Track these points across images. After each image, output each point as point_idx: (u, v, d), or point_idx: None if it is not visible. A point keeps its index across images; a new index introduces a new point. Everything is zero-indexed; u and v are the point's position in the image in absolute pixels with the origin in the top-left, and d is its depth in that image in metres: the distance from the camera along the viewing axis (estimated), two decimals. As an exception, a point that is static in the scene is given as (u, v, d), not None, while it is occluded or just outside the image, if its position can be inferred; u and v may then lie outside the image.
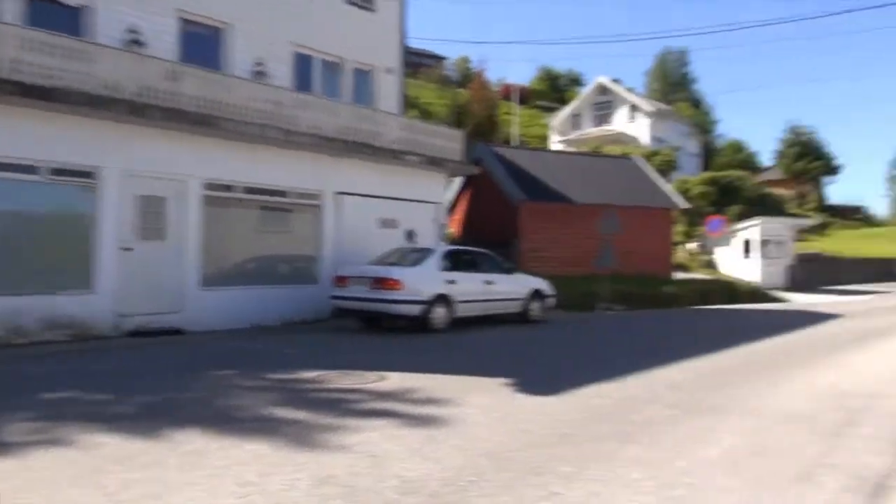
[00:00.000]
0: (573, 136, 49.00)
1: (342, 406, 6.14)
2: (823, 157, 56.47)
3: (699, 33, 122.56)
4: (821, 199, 55.03)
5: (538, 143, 47.82)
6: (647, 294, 20.66)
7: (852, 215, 56.85)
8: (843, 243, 41.13)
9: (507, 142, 39.02)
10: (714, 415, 6.04)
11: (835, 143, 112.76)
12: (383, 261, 13.24)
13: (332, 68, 17.19)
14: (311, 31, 16.36)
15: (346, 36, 17.11)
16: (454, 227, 24.12)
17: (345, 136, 14.85)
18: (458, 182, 23.66)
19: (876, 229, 52.40)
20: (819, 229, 44.03)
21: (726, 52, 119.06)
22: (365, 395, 6.68)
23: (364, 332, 12.42)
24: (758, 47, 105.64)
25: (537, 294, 14.50)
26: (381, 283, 11.87)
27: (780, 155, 57.48)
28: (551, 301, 14.96)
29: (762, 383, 7.63)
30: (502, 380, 7.40)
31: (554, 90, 68.24)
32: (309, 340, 11.44)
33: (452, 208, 24.18)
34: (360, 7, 17.60)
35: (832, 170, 57.95)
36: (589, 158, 29.67)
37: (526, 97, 58.11)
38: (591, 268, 19.01)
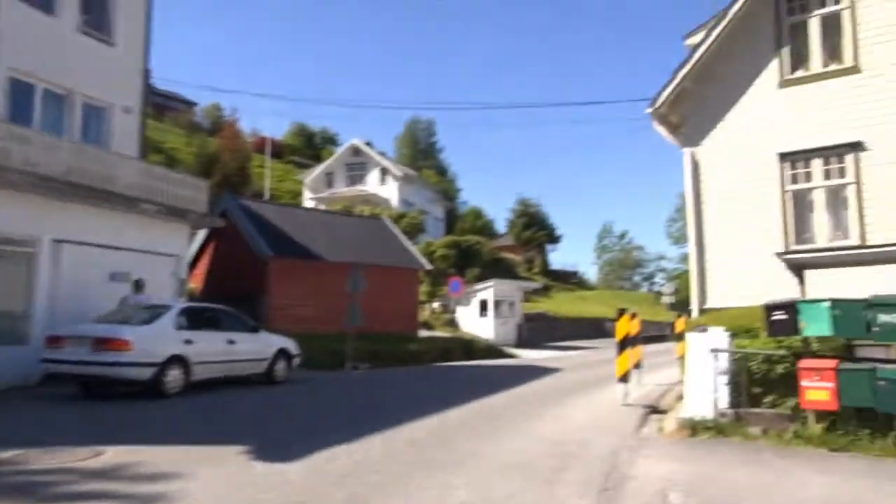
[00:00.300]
0: (326, 193, 49.49)
1: (42, 491, 5.25)
2: (547, 227, 64.12)
3: (444, 107, 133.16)
4: (545, 264, 62.03)
5: (291, 199, 47.42)
6: (393, 352, 21.22)
7: (570, 279, 64.94)
8: (563, 304, 46.64)
9: (258, 195, 38.07)
10: (446, 469, 6.27)
11: (556, 214, 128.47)
12: (109, 318, 11.87)
13: (58, 101, 15.31)
14: (33, 57, 14.44)
15: (76, 67, 15.37)
16: (196, 283, 22.63)
17: (69, 178, 13.24)
18: (202, 234, 22.37)
19: (588, 292, 60.46)
20: (543, 291, 49.36)
21: (468, 127, 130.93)
22: (74, 475, 5.79)
23: (83, 400, 10.90)
24: (497, 125, 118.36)
25: (283, 354, 14.06)
26: (105, 343, 10.58)
27: (512, 224, 63.97)
28: (297, 361, 14.61)
29: (493, 435, 8.16)
30: (238, 447, 6.94)
31: (309, 147, 68.73)
32: (10, 412, 9.70)
33: (195, 262, 22.74)
34: (97, 39, 16.05)
35: (554, 238, 66.04)
36: (341, 217, 30.16)
37: (280, 151, 57.62)
38: (342, 326, 19.03)
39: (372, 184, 50.06)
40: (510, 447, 7.44)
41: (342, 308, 19.19)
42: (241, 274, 21.35)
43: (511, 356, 26.78)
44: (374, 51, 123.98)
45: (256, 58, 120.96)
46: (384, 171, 50.42)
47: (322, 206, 43.24)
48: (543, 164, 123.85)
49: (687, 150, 12.70)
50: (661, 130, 13.45)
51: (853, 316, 7.15)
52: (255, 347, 13.41)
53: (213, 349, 12.23)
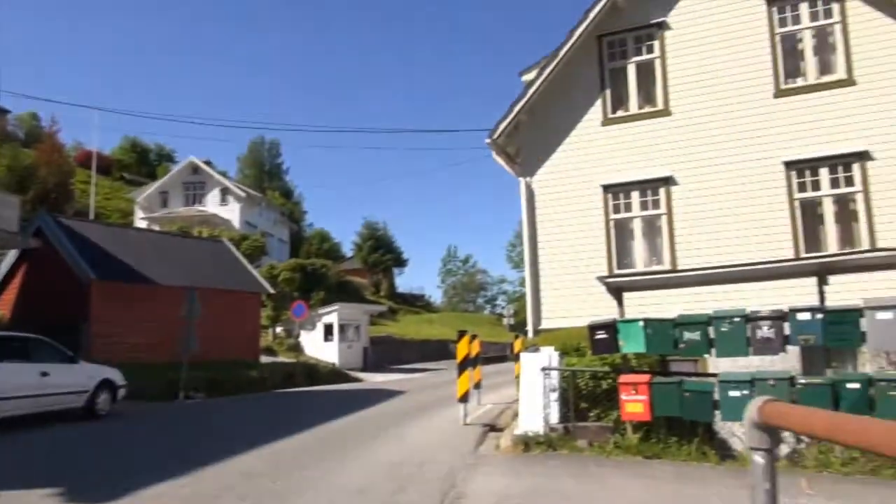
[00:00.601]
0: (161, 213, 46.59)
1: None
2: (394, 250, 64.65)
3: (288, 129, 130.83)
4: (392, 287, 62.42)
5: (121, 219, 44.08)
6: (232, 379, 20.24)
7: (416, 302, 65.82)
8: (409, 327, 47.12)
9: (82, 214, 34.96)
10: (283, 500, 6.08)
11: (403, 238, 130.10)
12: None
13: None
14: None
15: None
16: (5, 309, 20.26)
17: None
18: (11, 256, 20.14)
19: (434, 315, 61.54)
20: (390, 314, 49.61)
21: (316, 149, 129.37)
22: None
23: None
24: (345, 147, 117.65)
25: (107, 385, 12.94)
26: None
27: (358, 247, 63.78)
28: (123, 392, 13.51)
29: (333, 461, 8.03)
30: (47, 491, 6.28)
31: (144, 163, 64.47)
32: None
33: (3, 286, 20.39)
34: None
35: (401, 262, 66.70)
36: (176, 238, 28.40)
37: (109, 167, 53.47)
38: (177, 353, 17.85)
39: (212, 204, 47.85)
40: (350, 472, 7.36)
41: (177, 335, 18.04)
42: (60, 299, 19.37)
43: (357, 380, 26.56)
44: (214, 67, 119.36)
45: (91, 69, 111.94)
46: (225, 192, 48.42)
47: (156, 227, 40.60)
48: (391, 188, 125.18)
49: (523, 180, 13.46)
50: (500, 160, 14.16)
51: (662, 334, 7.88)
52: (72, 379, 12.21)
53: (22, 382, 10.98)
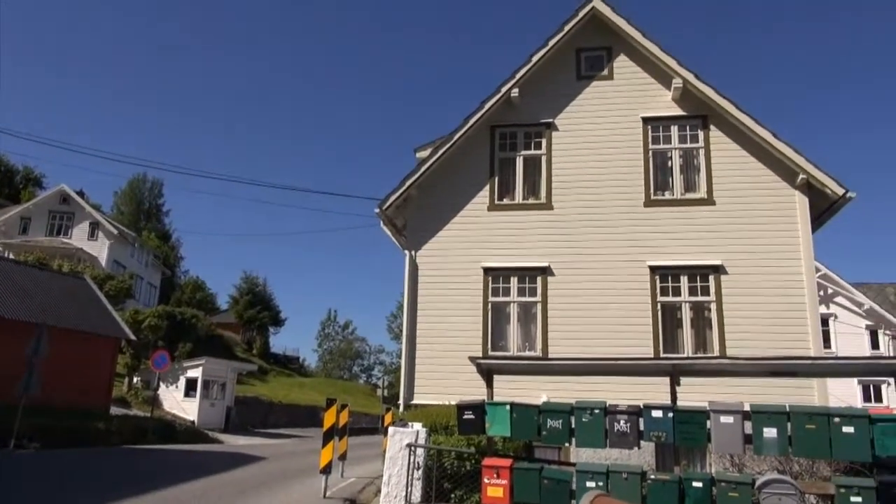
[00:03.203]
0: (19, 240, 42.99)
1: None
2: (271, 308, 62.63)
3: (183, 172, 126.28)
4: (266, 346, 60.12)
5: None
6: (75, 429, 18.52)
7: (290, 364, 63.62)
8: (279, 389, 45.25)
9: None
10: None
11: (282, 296, 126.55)
12: None
13: None
14: None
15: None
16: None
17: None
18: None
19: (307, 379, 59.57)
20: (260, 374, 47.56)
21: (201, 194, 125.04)
22: None
23: None
24: (233, 197, 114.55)
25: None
26: None
27: (235, 301, 61.31)
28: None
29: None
30: None
31: (7, 185, 59.67)
32: None
33: None
34: None
35: (278, 321, 64.59)
36: (31, 269, 26.11)
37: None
38: (12, 395, 16.12)
39: (79, 238, 44.80)
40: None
41: (17, 374, 16.35)
42: None
43: (216, 441, 25.05)
44: (99, 96, 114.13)
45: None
46: (95, 226, 45.57)
47: (10, 254, 37.33)
48: (274, 245, 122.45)
49: (408, 252, 13.69)
50: (388, 230, 14.37)
51: (527, 419, 8.09)
52: None
53: None
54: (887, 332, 33.81)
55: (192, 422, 28.05)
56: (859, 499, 6.58)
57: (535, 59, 13.63)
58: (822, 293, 30.73)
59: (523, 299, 13.11)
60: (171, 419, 26.24)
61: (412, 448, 8.92)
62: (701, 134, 13.23)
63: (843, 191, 12.19)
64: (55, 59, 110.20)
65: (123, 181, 69.55)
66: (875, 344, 33.64)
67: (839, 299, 33.86)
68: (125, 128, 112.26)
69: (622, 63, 13.85)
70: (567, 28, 13.68)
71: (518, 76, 13.58)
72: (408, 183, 13.61)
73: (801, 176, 12.42)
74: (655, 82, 13.55)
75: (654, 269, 12.65)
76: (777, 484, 6.75)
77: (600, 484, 7.55)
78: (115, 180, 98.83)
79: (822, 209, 12.80)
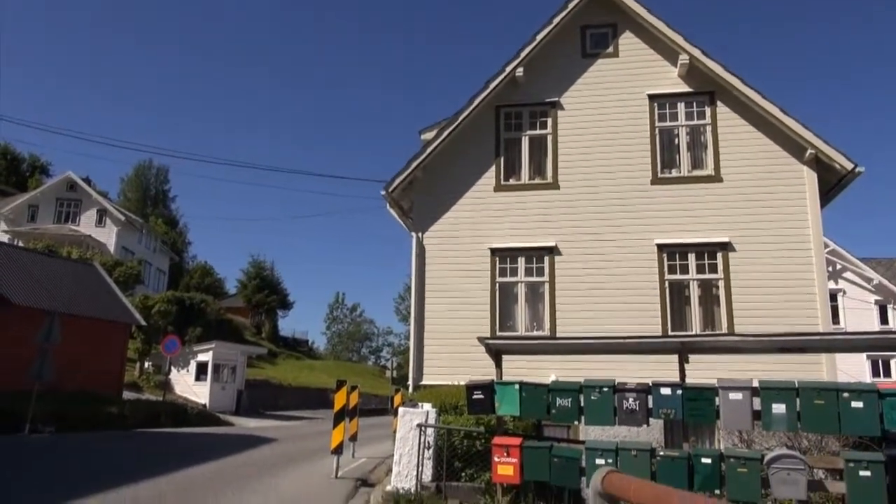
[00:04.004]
0: (27, 228, 43.24)
1: None
2: (279, 291, 62.84)
3: (178, 156, 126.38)
4: (274, 329, 60.49)
5: (-21, 230, 40.51)
6: (89, 414, 18.76)
7: (299, 347, 64.02)
8: (289, 372, 45.60)
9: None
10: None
11: (291, 280, 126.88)
12: None
13: None
14: None
15: None
16: None
17: None
18: None
19: (316, 362, 59.98)
20: (270, 358, 47.93)
21: (208, 179, 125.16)
22: None
23: None
24: (239, 182, 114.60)
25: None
26: None
27: (243, 285, 61.56)
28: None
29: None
30: None
31: (14, 173, 59.88)
32: None
33: None
34: None
35: (286, 304, 64.85)
36: (41, 256, 26.29)
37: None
38: (26, 381, 16.34)
39: (87, 225, 45.00)
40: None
41: (29, 360, 16.56)
42: None
43: (228, 424, 25.32)
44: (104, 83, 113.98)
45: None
46: (103, 213, 45.76)
47: (19, 242, 37.58)
48: (283, 229, 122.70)
49: (414, 234, 13.70)
50: (394, 213, 14.37)
51: (536, 398, 8.15)
52: None
53: None
54: (897, 306, 33.74)
55: (204, 405, 28.34)
56: (868, 473, 6.60)
57: (539, 37, 13.50)
58: (830, 269, 30.62)
59: (531, 279, 13.12)
60: (182, 403, 26.49)
61: (422, 428, 9.00)
62: (708, 110, 13.12)
63: (852, 165, 12.09)
64: (55, 57, 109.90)
65: (129, 168, 69.69)
66: (884, 319, 33.53)
67: (848, 274, 33.74)
68: (125, 111, 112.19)
69: (628, 40, 13.72)
70: (571, 5, 13.53)
71: (523, 55, 13.47)
72: (413, 165, 13.58)
73: (809, 151, 12.32)
74: (661, 59, 13.42)
75: (661, 248, 12.62)
76: (786, 459, 6.78)
77: (609, 461, 7.59)
78: (121, 167, 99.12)
79: (831, 184, 12.71)
